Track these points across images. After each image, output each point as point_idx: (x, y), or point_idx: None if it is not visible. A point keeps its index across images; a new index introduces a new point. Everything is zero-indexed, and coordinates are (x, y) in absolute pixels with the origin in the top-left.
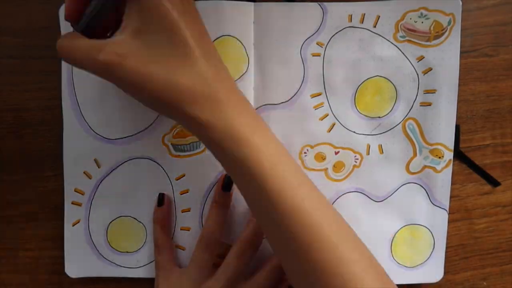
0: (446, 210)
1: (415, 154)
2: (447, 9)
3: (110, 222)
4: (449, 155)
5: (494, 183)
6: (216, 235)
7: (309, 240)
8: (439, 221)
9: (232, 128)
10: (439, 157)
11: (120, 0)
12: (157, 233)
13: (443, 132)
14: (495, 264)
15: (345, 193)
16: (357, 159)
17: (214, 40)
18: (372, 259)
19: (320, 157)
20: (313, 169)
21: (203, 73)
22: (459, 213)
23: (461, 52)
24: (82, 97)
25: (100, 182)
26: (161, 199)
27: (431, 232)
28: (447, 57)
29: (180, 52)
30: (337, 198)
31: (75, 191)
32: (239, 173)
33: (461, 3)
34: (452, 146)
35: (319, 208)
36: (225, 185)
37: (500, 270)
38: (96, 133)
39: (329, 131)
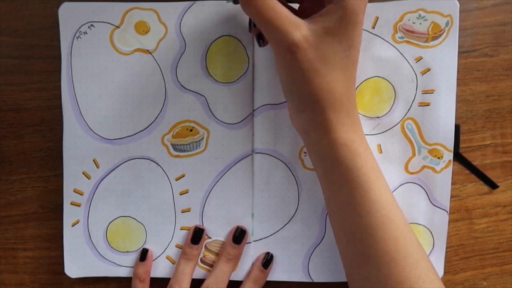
0: (447, 211)
1: (414, 154)
2: (444, 11)
3: (110, 222)
4: (448, 155)
5: (493, 185)
6: None
7: (393, 253)
8: (439, 221)
9: (353, 141)
10: (438, 158)
11: None
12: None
13: (442, 132)
14: (495, 264)
15: None
16: None
17: (215, 40)
18: (441, 283)
19: None
20: (313, 169)
21: (352, 91)
22: (459, 213)
23: (461, 52)
24: (82, 97)
25: (99, 183)
26: (144, 254)
27: (430, 232)
28: (445, 57)
29: (348, 67)
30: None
31: (74, 191)
32: (342, 180)
33: (458, 4)
34: (451, 147)
35: (404, 226)
36: (237, 237)
37: (500, 270)
38: (96, 133)
39: None
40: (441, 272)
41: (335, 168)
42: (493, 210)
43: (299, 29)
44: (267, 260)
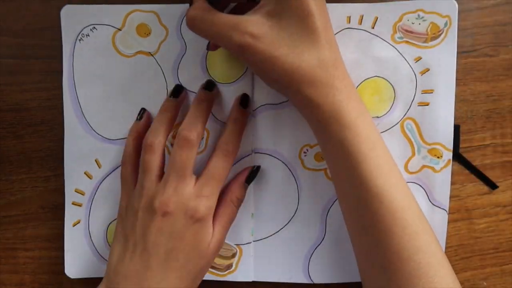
0: (446, 210)
1: (413, 154)
2: (443, 11)
3: (110, 223)
4: (448, 155)
5: (492, 186)
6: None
7: (391, 224)
8: (439, 221)
9: (340, 112)
10: (438, 157)
11: None
12: (127, 146)
13: (441, 132)
14: (495, 264)
15: None
16: None
17: None
18: (445, 257)
19: (320, 157)
20: (313, 169)
21: (324, 59)
22: (459, 213)
23: (461, 52)
24: (83, 97)
25: (101, 183)
26: (141, 114)
27: None
28: (444, 57)
29: (308, 38)
30: (337, 199)
31: (75, 191)
32: (336, 152)
33: (457, 5)
34: (450, 146)
35: (404, 197)
36: (243, 102)
37: (500, 270)
38: (97, 133)
39: None
40: None
41: (327, 142)
42: (493, 210)
43: (239, 29)
44: (244, 101)
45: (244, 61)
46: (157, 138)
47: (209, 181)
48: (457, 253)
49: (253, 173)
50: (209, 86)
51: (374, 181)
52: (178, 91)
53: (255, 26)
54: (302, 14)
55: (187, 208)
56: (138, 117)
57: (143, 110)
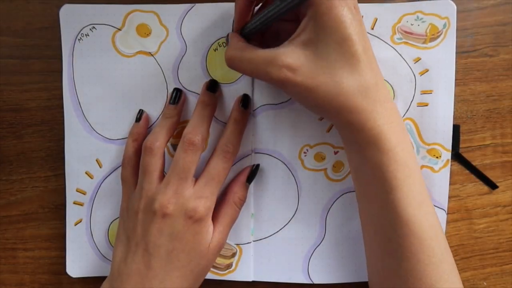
0: (445, 210)
1: None
2: (442, 13)
3: (112, 222)
4: (446, 155)
5: (492, 186)
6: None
7: (417, 251)
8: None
9: (379, 137)
10: (437, 157)
11: (292, 13)
12: (127, 148)
13: (440, 132)
14: (495, 264)
15: (345, 193)
16: None
17: (215, 42)
18: (462, 285)
19: (320, 157)
20: (313, 169)
21: (365, 84)
22: (459, 213)
23: (461, 52)
24: (84, 97)
25: (102, 182)
26: (139, 115)
27: None
28: (443, 58)
29: (347, 63)
30: (337, 198)
31: (77, 191)
32: (370, 175)
33: (455, 6)
34: (449, 146)
35: (433, 226)
36: (244, 102)
37: (500, 270)
38: (98, 133)
39: (328, 131)
40: None
41: (362, 164)
42: (493, 210)
43: (276, 64)
44: (245, 101)
45: (285, 93)
46: (157, 141)
47: (208, 182)
48: (457, 253)
49: (253, 172)
50: (213, 86)
51: (406, 208)
52: (177, 97)
53: (291, 58)
54: (339, 40)
55: (186, 209)
56: (137, 118)
57: (141, 111)
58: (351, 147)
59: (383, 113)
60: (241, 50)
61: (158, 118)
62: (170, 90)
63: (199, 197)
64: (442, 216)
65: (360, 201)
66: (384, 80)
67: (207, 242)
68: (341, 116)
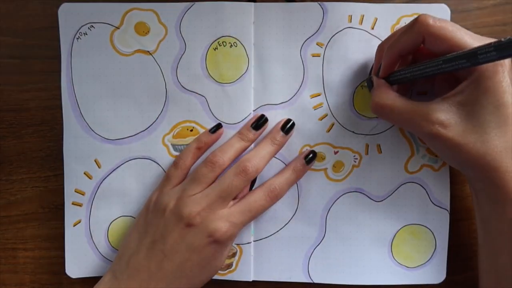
0: (447, 210)
1: (413, 153)
2: (437, 15)
3: (111, 222)
4: None
5: None
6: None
7: None
8: (440, 221)
9: None
10: (436, 156)
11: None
12: (187, 150)
13: None
14: None
15: (345, 193)
16: (356, 158)
17: (214, 41)
18: None
19: (320, 157)
20: (313, 169)
21: (509, 145)
22: (459, 213)
23: None
24: (83, 98)
25: (101, 183)
26: (216, 128)
27: (432, 233)
28: None
29: (500, 125)
30: (337, 198)
31: (75, 191)
32: (505, 230)
33: (449, 10)
34: None
35: None
36: (286, 127)
37: None
38: (96, 134)
39: (328, 131)
40: (443, 274)
41: (500, 221)
42: None
43: (429, 119)
44: (309, 158)
45: (430, 146)
46: (223, 158)
47: (244, 212)
48: (457, 253)
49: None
50: (290, 128)
51: None
52: (261, 124)
53: (445, 115)
54: (497, 103)
55: (210, 227)
56: (212, 130)
57: (219, 126)
58: (485, 199)
59: None
60: (392, 100)
61: (155, 121)
62: (169, 89)
63: (228, 221)
64: (445, 217)
65: (484, 250)
66: None
67: (222, 263)
68: (485, 174)
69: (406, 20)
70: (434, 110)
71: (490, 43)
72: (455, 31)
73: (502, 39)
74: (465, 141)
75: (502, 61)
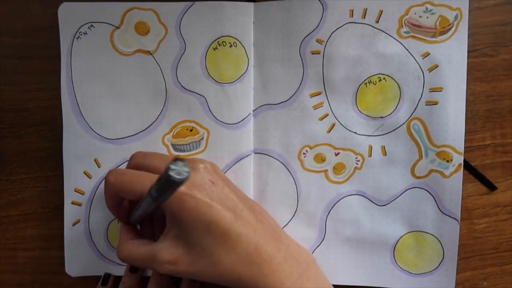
0: (457, 220)
1: (420, 157)
2: (453, 4)
3: (111, 222)
4: (458, 158)
5: (491, 187)
6: None
7: None
8: (449, 231)
9: None
10: (447, 161)
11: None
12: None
13: (451, 133)
14: (495, 264)
15: (346, 196)
16: (358, 161)
17: (214, 41)
18: None
19: (320, 158)
20: (313, 171)
21: (244, 253)
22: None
23: None
24: (82, 97)
25: (101, 182)
26: (106, 279)
27: (439, 242)
28: (454, 53)
29: (220, 242)
30: (338, 201)
31: (75, 191)
32: None
33: None
34: (461, 149)
35: None
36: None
37: (500, 270)
38: (96, 133)
39: (329, 132)
40: (452, 283)
41: None
42: (493, 210)
43: (157, 261)
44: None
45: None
46: None
47: None
48: (457, 253)
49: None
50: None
51: None
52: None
53: (168, 254)
54: (204, 226)
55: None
56: (104, 281)
57: (107, 276)
58: None
59: (271, 271)
60: (128, 250)
61: (155, 121)
62: (169, 89)
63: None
64: (455, 227)
65: None
66: (389, 77)
67: None
68: (238, 286)
69: (416, 11)
70: (159, 250)
71: (153, 184)
72: (134, 179)
73: (162, 175)
74: (197, 268)
75: (188, 186)
